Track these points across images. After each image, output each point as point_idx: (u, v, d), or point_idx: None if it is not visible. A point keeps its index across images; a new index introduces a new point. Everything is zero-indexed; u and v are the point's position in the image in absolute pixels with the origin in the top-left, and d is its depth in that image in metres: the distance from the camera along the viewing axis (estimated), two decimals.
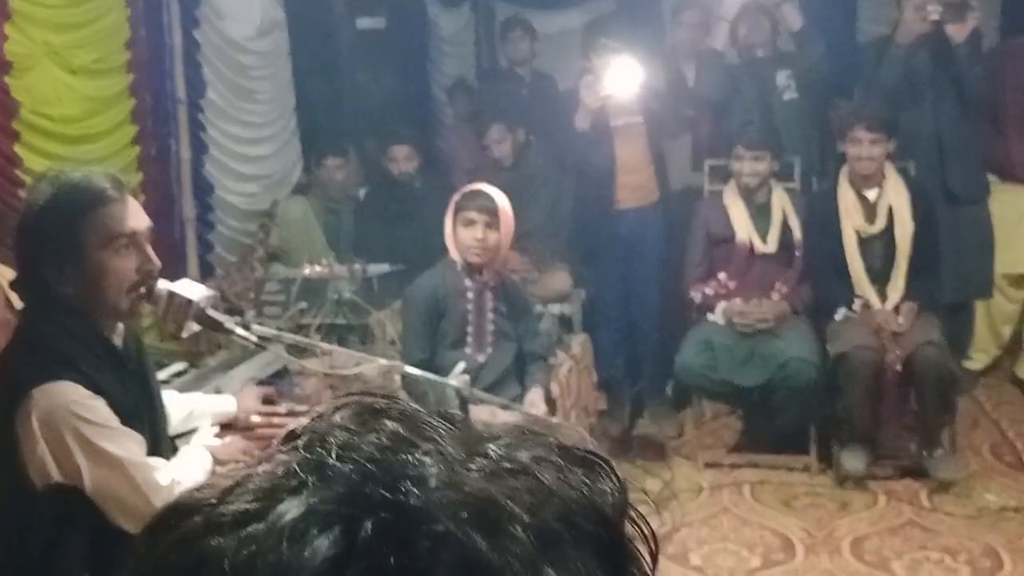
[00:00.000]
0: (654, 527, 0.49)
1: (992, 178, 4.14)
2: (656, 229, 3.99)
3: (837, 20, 6.09)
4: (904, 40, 3.80)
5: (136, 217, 1.69)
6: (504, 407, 2.68)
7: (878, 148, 3.50)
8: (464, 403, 2.24)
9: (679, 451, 3.86)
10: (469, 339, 2.88)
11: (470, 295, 2.88)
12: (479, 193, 2.82)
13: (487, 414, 2.70)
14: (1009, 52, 4.21)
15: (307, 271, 3.68)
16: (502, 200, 2.83)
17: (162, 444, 1.80)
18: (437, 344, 2.88)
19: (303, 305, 3.51)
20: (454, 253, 2.88)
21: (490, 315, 2.91)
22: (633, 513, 0.47)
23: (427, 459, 0.44)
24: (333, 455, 0.45)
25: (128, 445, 1.65)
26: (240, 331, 1.76)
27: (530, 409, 2.75)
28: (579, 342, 3.77)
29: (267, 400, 2.14)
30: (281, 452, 0.47)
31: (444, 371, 2.46)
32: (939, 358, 3.36)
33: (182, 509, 0.46)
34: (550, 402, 3.01)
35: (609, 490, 0.46)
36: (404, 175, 4.30)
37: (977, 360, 4.30)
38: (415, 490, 0.43)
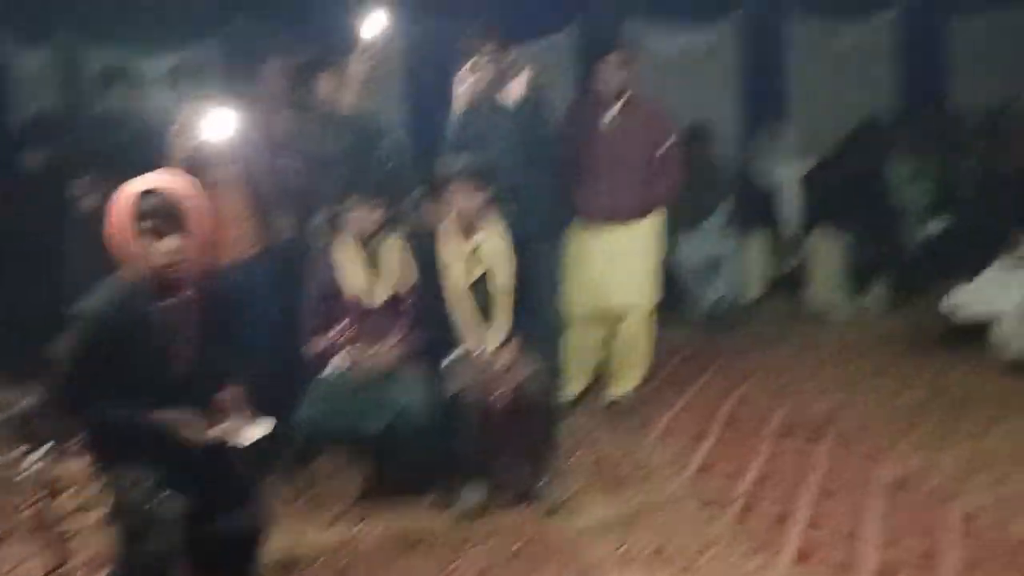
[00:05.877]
0: None
1: (578, 220, 4.58)
2: (262, 281, 3.88)
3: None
4: (462, 105, 4.07)
5: None
6: None
7: (474, 198, 3.72)
8: None
9: (304, 508, 3.76)
10: None
11: None
12: None
13: None
14: (578, 106, 4.65)
15: None
16: None
17: None
18: None
19: None
20: None
21: None
22: None
23: None
24: None
25: None
26: None
27: None
28: None
29: None
30: None
31: None
32: (541, 390, 3.63)
33: None
34: None
35: None
36: None
37: (572, 388, 4.73)
38: None
